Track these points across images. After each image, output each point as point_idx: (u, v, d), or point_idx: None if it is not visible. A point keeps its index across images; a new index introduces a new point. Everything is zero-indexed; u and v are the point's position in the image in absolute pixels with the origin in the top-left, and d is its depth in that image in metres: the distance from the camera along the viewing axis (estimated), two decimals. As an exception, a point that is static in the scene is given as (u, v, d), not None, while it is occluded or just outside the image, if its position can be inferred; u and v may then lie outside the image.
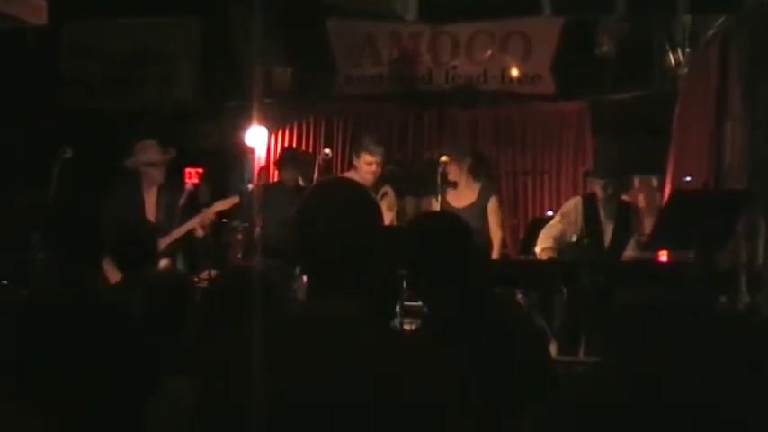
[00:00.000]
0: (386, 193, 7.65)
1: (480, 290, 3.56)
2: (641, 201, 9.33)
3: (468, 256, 3.52)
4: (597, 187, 7.02)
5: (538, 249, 7.22)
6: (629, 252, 7.04)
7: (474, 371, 2.64)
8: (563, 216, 7.23)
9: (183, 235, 7.13)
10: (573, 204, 7.30)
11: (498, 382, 3.11)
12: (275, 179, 9.50)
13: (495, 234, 7.62)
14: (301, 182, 8.33)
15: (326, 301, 2.29)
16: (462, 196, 7.66)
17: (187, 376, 2.96)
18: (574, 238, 7.03)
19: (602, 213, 6.94)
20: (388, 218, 7.38)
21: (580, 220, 7.07)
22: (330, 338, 2.20)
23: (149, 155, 7.36)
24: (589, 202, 7.11)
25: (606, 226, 6.99)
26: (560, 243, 7.13)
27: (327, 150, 7.97)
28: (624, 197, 7.37)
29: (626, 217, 7.09)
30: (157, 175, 7.35)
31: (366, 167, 7.52)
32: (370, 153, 7.54)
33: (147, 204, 7.32)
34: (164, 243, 7.05)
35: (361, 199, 2.42)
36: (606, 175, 6.95)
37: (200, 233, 7.19)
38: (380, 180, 7.75)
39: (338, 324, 2.24)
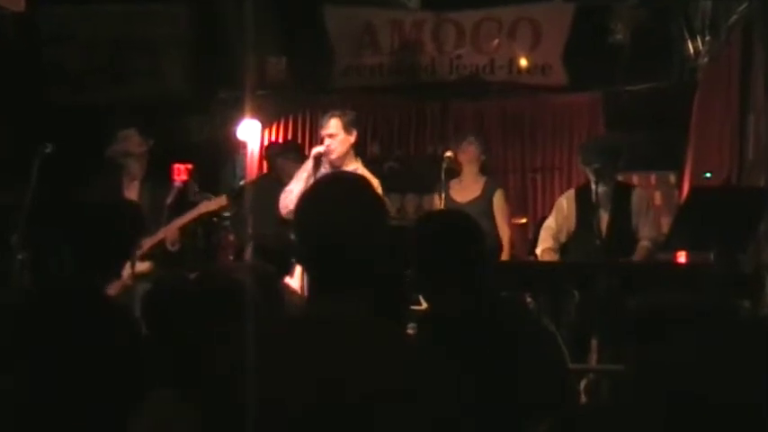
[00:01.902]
0: None
1: (487, 292, 3.56)
2: (658, 198, 9.32)
3: (475, 256, 3.53)
4: (588, 174, 6.97)
5: (538, 251, 7.21)
6: (645, 243, 6.97)
7: (479, 375, 2.65)
8: (557, 211, 7.22)
9: (160, 241, 7.08)
10: (565, 197, 7.28)
11: (505, 388, 3.12)
12: (268, 170, 9.40)
13: (504, 231, 7.59)
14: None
15: (329, 303, 2.30)
16: (467, 190, 7.64)
17: (172, 387, 2.97)
18: (570, 231, 7.04)
19: (598, 201, 6.88)
20: None
21: (574, 211, 7.05)
22: (332, 341, 2.21)
23: (127, 145, 7.32)
24: (582, 192, 7.08)
25: (604, 213, 6.93)
26: (560, 241, 7.12)
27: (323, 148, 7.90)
28: (634, 182, 7.30)
29: (622, 197, 7.04)
30: (136, 167, 7.30)
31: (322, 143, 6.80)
32: (320, 126, 6.88)
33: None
34: (147, 244, 7.04)
35: (365, 195, 2.42)
36: (594, 159, 6.90)
37: (170, 248, 7.13)
38: (351, 161, 6.91)
39: (340, 326, 2.25)
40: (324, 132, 6.77)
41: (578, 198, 7.09)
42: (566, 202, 7.18)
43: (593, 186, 6.78)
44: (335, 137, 6.71)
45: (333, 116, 6.78)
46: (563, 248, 7.14)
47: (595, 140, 8.58)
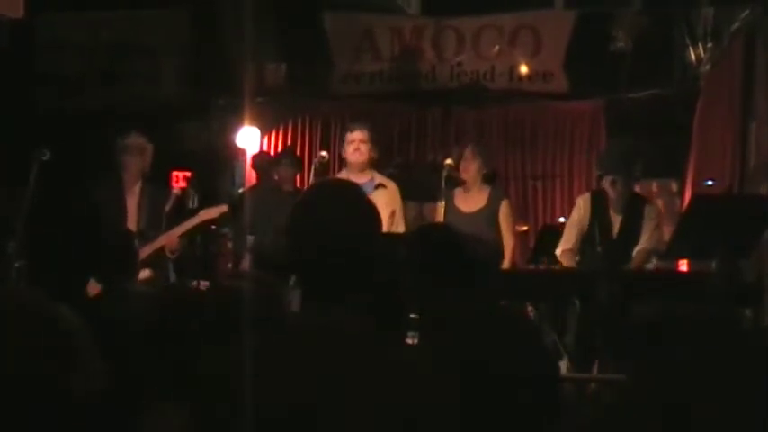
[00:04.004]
0: (381, 186, 7.37)
1: (478, 303, 3.59)
2: (660, 206, 9.32)
3: (464, 267, 3.57)
4: (606, 183, 7.00)
5: (558, 251, 7.19)
6: (642, 247, 6.97)
7: (470, 387, 2.66)
8: (576, 211, 7.23)
9: (160, 248, 7.09)
10: (582, 200, 7.29)
11: (501, 393, 3.13)
12: (258, 180, 9.38)
13: (508, 242, 7.53)
14: (288, 186, 8.34)
15: (320, 311, 2.30)
16: (472, 200, 7.59)
17: (173, 402, 2.97)
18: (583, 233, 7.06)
19: (611, 209, 6.91)
20: (384, 215, 6.79)
21: (588, 215, 7.07)
22: (324, 351, 2.21)
23: (136, 140, 7.32)
24: (597, 197, 7.10)
25: (615, 222, 6.96)
26: (580, 242, 7.12)
27: (324, 153, 7.92)
28: (636, 190, 7.30)
29: (636, 208, 7.05)
30: (135, 164, 7.28)
31: (348, 147, 7.37)
32: (351, 130, 7.44)
33: (129, 206, 7.30)
34: (146, 251, 7.04)
35: (359, 202, 2.42)
36: (612, 169, 6.93)
37: (169, 256, 7.15)
38: (371, 168, 7.48)
39: (332, 336, 2.25)
40: (354, 137, 7.32)
41: (593, 202, 7.10)
42: (582, 203, 7.19)
43: (608, 194, 6.84)
44: (366, 144, 7.33)
45: (366, 127, 7.43)
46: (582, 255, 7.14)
47: (614, 149, 8.58)
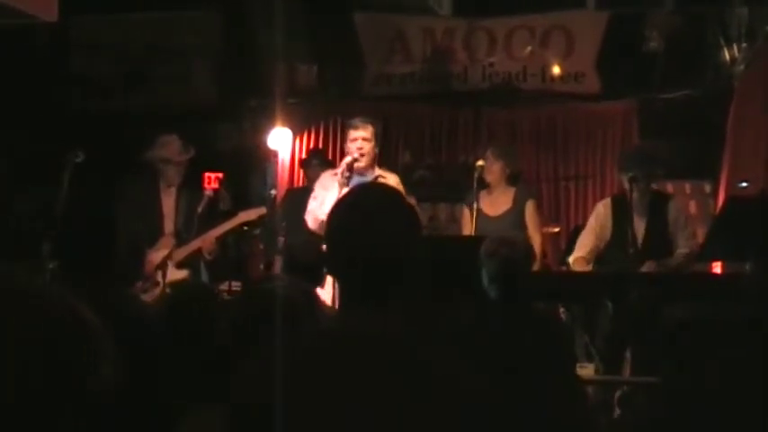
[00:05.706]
0: (381, 177, 6.90)
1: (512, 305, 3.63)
2: (692, 207, 9.30)
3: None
4: (625, 182, 6.98)
5: (571, 259, 7.20)
6: (684, 251, 6.95)
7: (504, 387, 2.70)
8: (595, 220, 7.21)
9: (196, 250, 7.15)
10: (602, 206, 7.27)
11: (528, 399, 3.16)
12: (300, 183, 9.49)
13: (535, 240, 7.52)
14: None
15: (361, 315, 2.32)
16: (497, 203, 7.57)
17: (207, 403, 2.99)
18: (606, 239, 7.03)
19: (634, 211, 6.88)
20: None
21: (610, 219, 7.05)
22: (365, 354, 2.22)
23: (168, 151, 7.35)
24: (619, 201, 7.08)
25: (640, 223, 6.93)
26: (597, 249, 7.09)
27: (356, 154, 7.93)
28: (657, 188, 7.26)
29: (659, 208, 7.03)
30: (174, 174, 7.34)
31: (350, 145, 6.90)
32: (354, 128, 6.92)
33: (165, 206, 7.36)
34: (182, 253, 7.11)
35: (401, 205, 2.43)
36: (632, 167, 6.91)
37: (207, 257, 7.20)
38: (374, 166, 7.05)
39: (374, 339, 2.26)
40: (357, 135, 6.86)
41: (614, 206, 7.09)
42: (602, 210, 7.18)
43: (630, 195, 6.80)
44: (370, 142, 6.86)
45: (369, 122, 6.93)
46: (599, 257, 7.12)
47: (634, 149, 8.59)
